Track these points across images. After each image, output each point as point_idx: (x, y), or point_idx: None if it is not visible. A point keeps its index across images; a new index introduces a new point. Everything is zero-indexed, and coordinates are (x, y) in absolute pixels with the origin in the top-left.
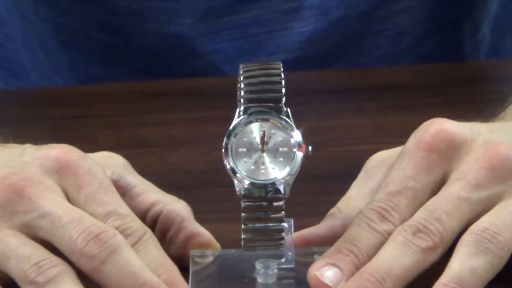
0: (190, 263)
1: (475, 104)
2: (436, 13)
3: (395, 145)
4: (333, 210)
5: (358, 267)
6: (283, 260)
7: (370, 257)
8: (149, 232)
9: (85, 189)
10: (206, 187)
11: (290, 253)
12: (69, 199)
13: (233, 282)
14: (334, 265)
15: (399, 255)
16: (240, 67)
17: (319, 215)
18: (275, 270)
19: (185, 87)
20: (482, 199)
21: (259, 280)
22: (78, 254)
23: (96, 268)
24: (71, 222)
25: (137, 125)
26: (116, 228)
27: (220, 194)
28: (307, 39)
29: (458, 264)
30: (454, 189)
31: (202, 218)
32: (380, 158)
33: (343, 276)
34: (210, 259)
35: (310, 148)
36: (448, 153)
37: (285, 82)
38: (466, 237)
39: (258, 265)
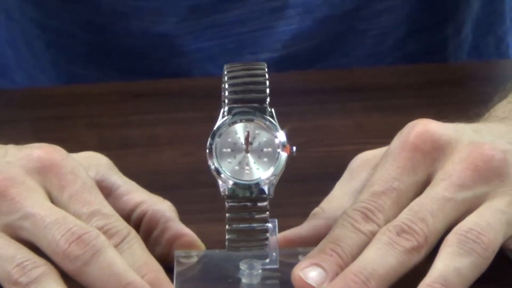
0: (175, 263)
1: (459, 105)
2: (419, 13)
3: (379, 145)
4: (316, 210)
5: (342, 267)
6: (267, 260)
7: (354, 257)
8: (133, 232)
9: (68, 189)
10: (190, 188)
11: (274, 254)
12: (52, 200)
13: (217, 282)
14: (318, 265)
15: (383, 255)
16: (224, 67)
17: (303, 215)
18: (260, 271)
19: (168, 87)
20: (467, 199)
21: (244, 280)
22: (61, 255)
23: (79, 270)
24: (54, 223)
25: (120, 126)
26: (100, 228)
27: (204, 194)
28: (291, 38)
29: (442, 265)
30: (438, 190)
31: (186, 219)
32: (364, 158)
33: (327, 276)
34: (195, 259)
35: (294, 148)
36: (433, 154)
37: (269, 82)
38: (450, 238)
39: (243, 266)
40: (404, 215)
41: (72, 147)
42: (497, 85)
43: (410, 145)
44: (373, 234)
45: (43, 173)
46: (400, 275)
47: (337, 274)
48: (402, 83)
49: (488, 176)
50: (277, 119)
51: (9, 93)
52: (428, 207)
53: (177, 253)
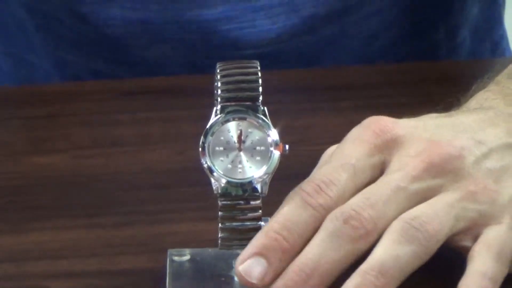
0: (168, 262)
1: (451, 103)
2: (408, 16)
3: None
4: None
5: (288, 252)
6: None
7: (303, 237)
8: None
9: None
10: (181, 186)
11: None
12: None
13: (210, 280)
14: (260, 254)
15: (327, 248)
16: (217, 65)
17: None
18: None
19: (159, 86)
20: (420, 190)
21: (237, 278)
22: None
23: None
24: None
25: (111, 124)
26: None
27: (195, 193)
28: (276, 36)
29: (381, 251)
30: (392, 178)
31: (176, 218)
32: (329, 153)
33: (270, 268)
34: (187, 257)
35: (287, 147)
36: (390, 144)
37: (261, 81)
38: (394, 224)
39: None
40: (355, 200)
41: (63, 145)
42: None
43: (370, 132)
44: (324, 209)
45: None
46: (346, 266)
47: (282, 262)
48: (393, 81)
49: (442, 170)
50: (269, 118)
51: (0, 92)
52: (381, 194)
53: (170, 251)
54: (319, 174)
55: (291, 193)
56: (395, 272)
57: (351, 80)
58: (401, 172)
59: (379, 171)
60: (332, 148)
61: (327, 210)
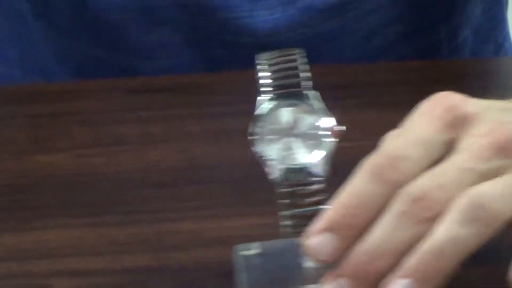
0: (236, 258)
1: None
2: (410, 15)
3: (375, 142)
4: None
5: (356, 228)
6: None
7: (371, 213)
8: None
9: None
10: (184, 185)
11: None
12: None
13: (283, 270)
14: (329, 230)
15: (394, 229)
16: (256, 58)
17: None
18: None
19: (162, 84)
20: (486, 171)
21: (309, 264)
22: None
23: None
24: None
25: (114, 123)
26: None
27: (198, 191)
28: (273, 26)
29: (443, 231)
30: (459, 159)
31: (180, 216)
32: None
33: (338, 243)
34: (256, 251)
35: (344, 128)
36: (460, 122)
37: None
38: (458, 201)
39: None
40: (422, 181)
41: (66, 144)
42: (493, 81)
43: (441, 107)
44: (396, 185)
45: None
46: (413, 246)
47: (350, 238)
48: (397, 80)
49: (508, 152)
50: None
51: (3, 90)
52: (448, 175)
53: (237, 247)
54: (391, 148)
55: (363, 166)
56: (455, 254)
57: (354, 78)
58: (468, 152)
59: (449, 148)
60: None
61: (399, 186)
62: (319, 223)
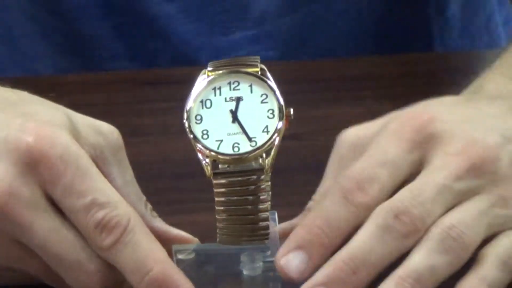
0: (174, 261)
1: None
2: None
3: None
4: (310, 204)
5: (328, 247)
6: (268, 253)
7: (342, 234)
8: (132, 219)
9: (59, 183)
10: (201, 176)
11: (275, 246)
12: (48, 195)
13: (219, 276)
14: (301, 249)
15: (377, 242)
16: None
17: None
18: (261, 263)
19: (179, 75)
20: (462, 190)
21: (245, 272)
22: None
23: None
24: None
25: (131, 114)
26: (99, 221)
27: None
28: (260, 14)
29: (418, 259)
30: (437, 176)
31: (195, 207)
32: (351, 141)
33: (310, 261)
34: (193, 255)
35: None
36: (429, 141)
37: (283, 70)
38: (433, 230)
39: (244, 258)
40: (403, 197)
41: None
42: None
43: (409, 127)
44: (365, 207)
45: (34, 167)
46: (391, 261)
47: (322, 257)
48: (412, 71)
49: (481, 172)
50: (287, 107)
51: (22, 81)
52: (429, 192)
53: (175, 248)
54: (359, 170)
55: (331, 188)
56: (430, 282)
57: (370, 70)
58: (444, 170)
59: (417, 167)
60: (348, 138)
61: (367, 208)
62: (291, 242)
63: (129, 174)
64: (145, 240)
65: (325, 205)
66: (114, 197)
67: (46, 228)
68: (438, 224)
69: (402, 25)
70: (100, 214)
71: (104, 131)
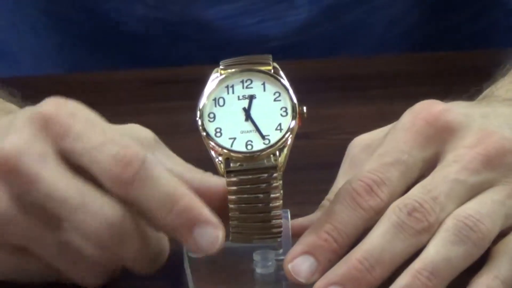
0: (186, 259)
1: (480, 93)
2: (428, 1)
3: None
4: (323, 202)
5: (337, 252)
6: (281, 251)
7: (351, 238)
8: (149, 156)
9: (70, 132)
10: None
11: (288, 244)
12: (61, 151)
13: (231, 275)
14: (309, 253)
15: (391, 239)
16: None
17: None
18: (273, 261)
19: (190, 75)
20: (477, 183)
21: (258, 271)
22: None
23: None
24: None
25: (142, 113)
26: (113, 157)
27: None
28: (299, 26)
29: (434, 251)
30: (451, 171)
31: None
32: (363, 143)
33: (319, 267)
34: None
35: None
36: (443, 134)
37: (293, 69)
38: (448, 221)
39: (256, 257)
40: (416, 193)
41: None
42: None
43: (422, 121)
44: (375, 211)
45: (47, 128)
46: (406, 258)
47: (330, 262)
48: (423, 70)
49: (496, 164)
50: (302, 106)
51: (32, 81)
52: (441, 187)
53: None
54: (370, 171)
55: (341, 191)
56: (447, 273)
57: (380, 69)
58: (458, 164)
59: (432, 163)
60: (360, 140)
61: (378, 211)
62: (300, 246)
63: (180, 162)
64: (165, 174)
65: (334, 209)
66: (126, 139)
67: (53, 176)
68: (454, 215)
69: (428, 34)
70: (115, 148)
71: (140, 136)
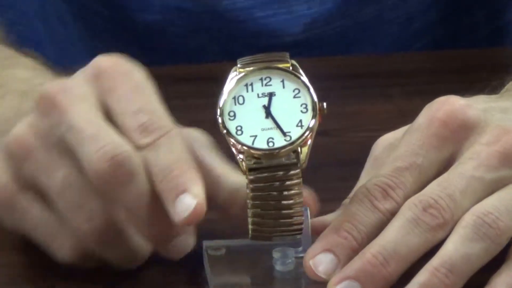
0: (205, 257)
1: (499, 90)
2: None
3: None
4: (346, 200)
5: (356, 251)
6: (300, 249)
7: (370, 238)
8: (175, 131)
9: (117, 90)
10: None
11: (307, 242)
12: (104, 104)
13: (251, 272)
14: (330, 251)
15: (406, 234)
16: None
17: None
18: (293, 259)
19: (208, 72)
20: (493, 181)
21: (277, 268)
22: (92, 175)
23: (110, 193)
24: (90, 138)
25: None
26: (141, 125)
27: None
28: (312, 21)
29: (453, 247)
30: (467, 168)
31: None
32: (386, 144)
33: (339, 264)
34: (224, 251)
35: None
36: (460, 133)
37: (311, 66)
38: (466, 218)
39: (276, 254)
40: (432, 190)
41: None
42: None
43: (438, 121)
44: (391, 213)
45: (98, 78)
46: (421, 254)
47: (350, 259)
48: (442, 67)
49: None
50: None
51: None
52: (457, 184)
53: (206, 244)
54: (386, 176)
55: (358, 193)
56: (465, 270)
57: (399, 66)
58: (474, 161)
59: (449, 162)
60: (384, 140)
61: (394, 214)
62: (320, 243)
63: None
64: (180, 149)
65: (353, 210)
66: (162, 112)
67: (81, 113)
68: (472, 211)
69: (447, 32)
70: (144, 118)
71: (194, 137)
